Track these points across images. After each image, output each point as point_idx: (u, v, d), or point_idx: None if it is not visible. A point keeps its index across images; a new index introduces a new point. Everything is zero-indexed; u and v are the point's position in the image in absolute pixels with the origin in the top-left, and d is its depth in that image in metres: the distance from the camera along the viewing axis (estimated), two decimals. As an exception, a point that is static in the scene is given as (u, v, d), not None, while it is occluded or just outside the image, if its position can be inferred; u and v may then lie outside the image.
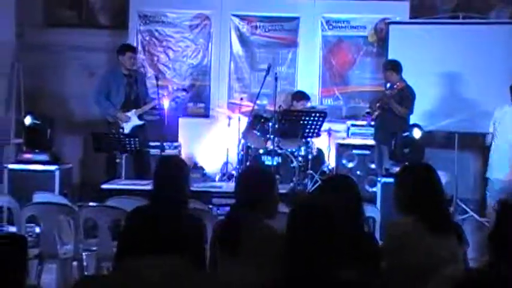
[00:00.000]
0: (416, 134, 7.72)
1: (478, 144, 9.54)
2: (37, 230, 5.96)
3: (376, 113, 8.64)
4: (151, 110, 8.90)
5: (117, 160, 8.26)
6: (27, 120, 7.94)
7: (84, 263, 5.60)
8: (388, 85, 8.71)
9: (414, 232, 3.77)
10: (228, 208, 5.77)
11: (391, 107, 8.42)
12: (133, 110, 8.57)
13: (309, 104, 9.51)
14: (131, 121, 8.55)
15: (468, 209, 8.68)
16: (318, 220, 2.71)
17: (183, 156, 9.70)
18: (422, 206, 3.82)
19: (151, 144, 8.88)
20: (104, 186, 7.41)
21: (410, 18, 9.80)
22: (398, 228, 3.87)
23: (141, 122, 8.62)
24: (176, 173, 4.08)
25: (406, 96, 8.45)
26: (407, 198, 3.88)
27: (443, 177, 6.94)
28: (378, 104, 8.61)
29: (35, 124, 7.92)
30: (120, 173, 8.25)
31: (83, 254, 5.57)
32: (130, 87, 8.64)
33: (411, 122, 8.38)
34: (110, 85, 8.62)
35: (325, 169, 9.44)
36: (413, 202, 3.84)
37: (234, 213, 3.85)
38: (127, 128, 8.50)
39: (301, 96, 9.56)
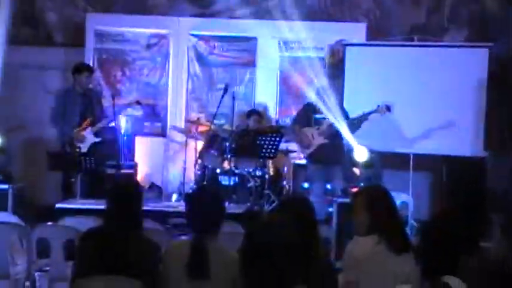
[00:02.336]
0: (360, 155, 7.74)
1: (432, 166, 9.68)
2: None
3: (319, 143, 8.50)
4: (107, 129, 8.84)
5: (72, 179, 8.18)
6: None
7: (37, 284, 5.51)
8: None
9: (374, 252, 3.83)
10: (183, 228, 5.76)
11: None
12: (89, 128, 8.49)
13: (263, 120, 9.53)
14: (87, 140, 8.46)
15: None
16: (273, 241, 2.71)
17: (140, 175, 9.65)
18: (380, 228, 3.89)
19: (108, 163, 8.80)
20: (58, 205, 7.33)
21: (367, 40, 9.91)
22: (358, 247, 3.91)
23: (98, 139, 8.54)
24: (128, 193, 4.03)
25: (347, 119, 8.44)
26: (364, 221, 3.94)
27: (398, 198, 7.02)
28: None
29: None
30: (75, 193, 8.16)
31: (36, 274, 5.48)
32: (86, 106, 8.56)
33: (358, 144, 8.42)
34: (65, 105, 8.53)
35: (282, 189, 9.44)
36: (371, 224, 3.90)
37: (196, 237, 3.82)
38: (84, 147, 8.42)
39: (251, 112, 9.58)
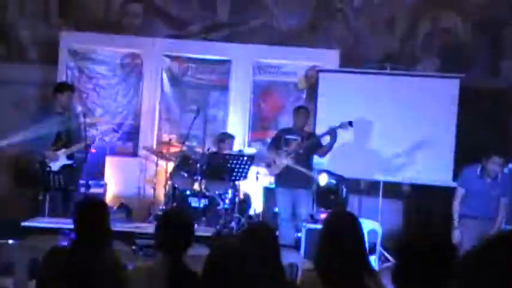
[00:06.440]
0: (322, 180, 7.72)
1: (401, 193, 9.74)
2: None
3: (284, 164, 8.39)
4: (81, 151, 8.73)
5: (40, 197, 8.08)
6: None
7: (-1, 303, 5.43)
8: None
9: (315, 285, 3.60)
10: (150, 249, 5.71)
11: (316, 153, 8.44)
12: (63, 150, 8.37)
13: (235, 145, 9.51)
14: (59, 160, 8.34)
15: (390, 257, 8.76)
16: (231, 267, 2.69)
17: (109, 195, 9.57)
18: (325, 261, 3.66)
19: (77, 182, 8.68)
20: (24, 223, 7.22)
21: (340, 66, 9.96)
22: (305, 280, 3.79)
23: (69, 162, 8.41)
24: (92, 212, 3.98)
25: (317, 141, 8.46)
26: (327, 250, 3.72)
27: (367, 225, 7.01)
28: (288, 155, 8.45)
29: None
30: (43, 211, 8.06)
31: (-2, 293, 5.41)
32: (63, 126, 8.42)
33: (323, 168, 8.39)
34: (41, 123, 8.38)
35: (252, 213, 9.42)
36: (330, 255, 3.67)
37: (166, 259, 3.79)
38: (55, 166, 8.31)
39: (225, 136, 9.57)
